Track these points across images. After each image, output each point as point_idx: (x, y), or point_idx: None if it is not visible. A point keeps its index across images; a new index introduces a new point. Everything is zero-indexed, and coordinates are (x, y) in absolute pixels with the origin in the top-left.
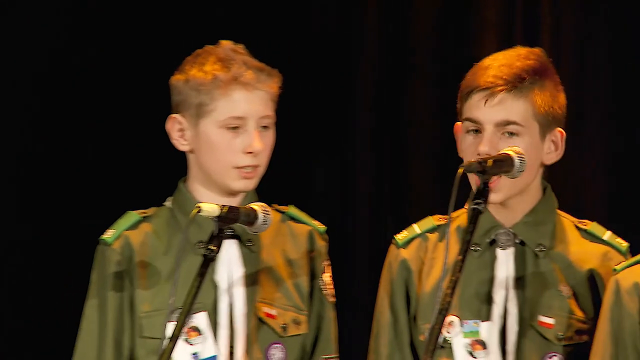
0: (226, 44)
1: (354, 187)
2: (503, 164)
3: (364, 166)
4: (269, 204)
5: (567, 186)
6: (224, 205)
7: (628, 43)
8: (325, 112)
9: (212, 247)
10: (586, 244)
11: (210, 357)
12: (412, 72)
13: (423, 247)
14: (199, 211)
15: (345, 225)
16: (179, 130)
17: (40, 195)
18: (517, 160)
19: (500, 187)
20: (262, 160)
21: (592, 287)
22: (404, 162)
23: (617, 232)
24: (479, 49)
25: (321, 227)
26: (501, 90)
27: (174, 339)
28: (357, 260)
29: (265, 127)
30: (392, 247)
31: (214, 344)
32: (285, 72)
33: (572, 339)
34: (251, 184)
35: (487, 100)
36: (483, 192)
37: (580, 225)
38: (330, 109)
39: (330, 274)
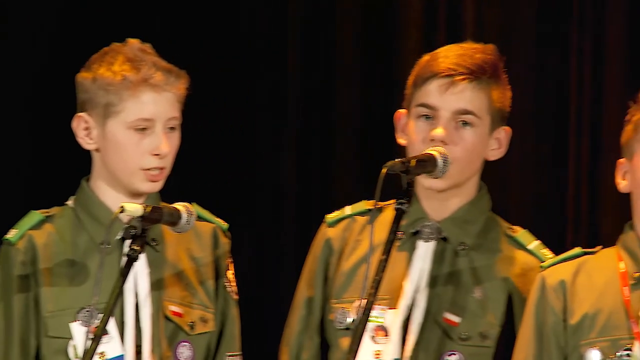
0: (134, 42)
1: (279, 187)
2: (426, 164)
3: (290, 167)
4: (172, 203)
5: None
6: (147, 205)
7: (551, 43)
8: (249, 112)
9: (136, 248)
10: (510, 250)
11: (117, 356)
12: (336, 72)
13: (350, 228)
14: (122, 211)
15: (270, 226)
16: (84, 129)
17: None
18: (440, 161)
19: (448, 175)
20: (168, 163)
21: (507, 294)
22: (329, 161)
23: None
24: (401, 49)
25: (224, 224)
26: (464, 79)
27: (97, 339)
28: (284, 259)
29: (172, 128)
30: (322, 225)
31: (120, 343)
32: (214, 73)
33: (475, 341)
34: (157, 186)
35: (448, 87)
36: (407, 192)
37: (509, 231)
38: (255, 109)
39: (233, 272)
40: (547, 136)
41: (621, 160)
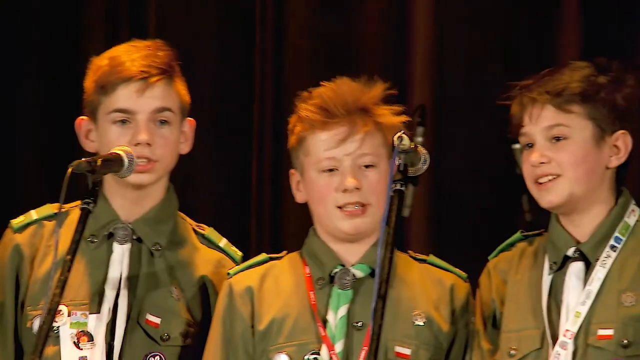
0: None
1: None
2: (112, 164)
3: None
4: None
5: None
6: None
7: (234, 43)
8: None
9: None
10: (203, 249)
11: None
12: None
13: (39, 234)
14: None
15: None
16: None
17: None
18: (126, 160)
19: (156, 171)
20: None
21: (203, 292)
22: (12, 165)
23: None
24: (85, 48)
25: None
26: (158, 80)
27: None
28: None
29: None
30: (8, 231)
31: None
32: None
33: (177, 341)
34: None
35: (144, 90)
36: (93, 192)
37: (197, 229)
38: None
39: None
40: (230, 136)
41: (292, 170)
